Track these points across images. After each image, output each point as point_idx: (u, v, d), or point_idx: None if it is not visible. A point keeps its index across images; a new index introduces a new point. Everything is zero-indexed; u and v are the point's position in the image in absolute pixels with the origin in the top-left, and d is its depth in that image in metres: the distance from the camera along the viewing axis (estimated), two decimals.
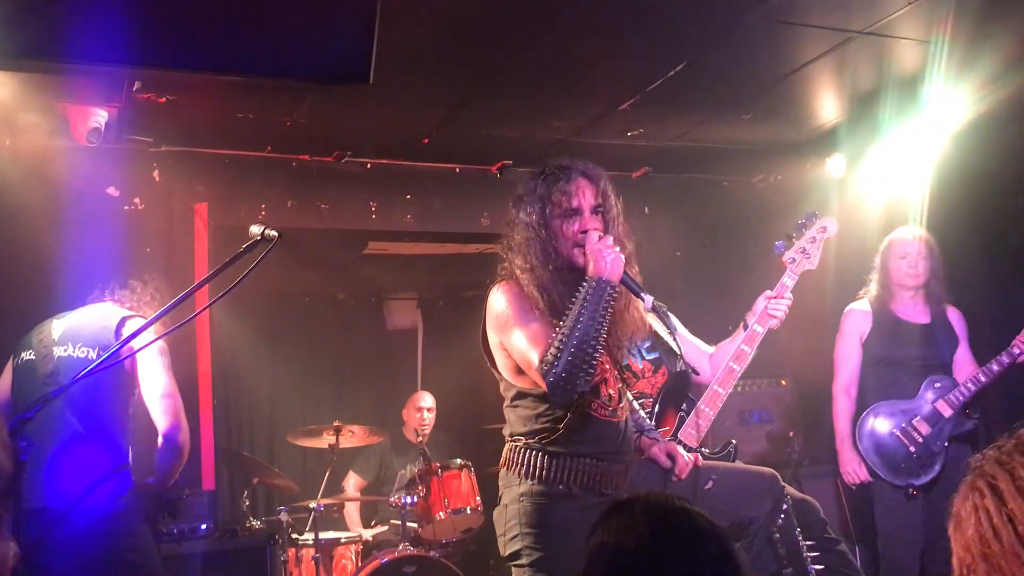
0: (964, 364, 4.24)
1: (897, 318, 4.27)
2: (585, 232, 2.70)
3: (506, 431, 2.89)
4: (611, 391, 2.80)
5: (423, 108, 4.47)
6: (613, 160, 5.11)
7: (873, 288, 4.36)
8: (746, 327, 3.28)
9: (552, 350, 2.54)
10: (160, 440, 3.36)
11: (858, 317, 4.36)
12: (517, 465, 2.76)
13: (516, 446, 2.80)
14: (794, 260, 3.40)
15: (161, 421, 3.36)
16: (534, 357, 2.61)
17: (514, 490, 2.77)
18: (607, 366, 2.79)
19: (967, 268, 4.60)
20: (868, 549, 4.62)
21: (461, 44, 3.78)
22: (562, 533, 2.65)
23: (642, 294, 2.67)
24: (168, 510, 3.37)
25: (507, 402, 2.88)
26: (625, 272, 2.65)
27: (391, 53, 3.26)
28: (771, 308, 3.24)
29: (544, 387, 2.59)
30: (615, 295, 2.62)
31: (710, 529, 1.57)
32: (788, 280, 3.35)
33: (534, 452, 2.73)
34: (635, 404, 3.06)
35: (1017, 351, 3.97)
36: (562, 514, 2.67)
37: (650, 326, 2.88)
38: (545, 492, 2.70)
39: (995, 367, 3.99)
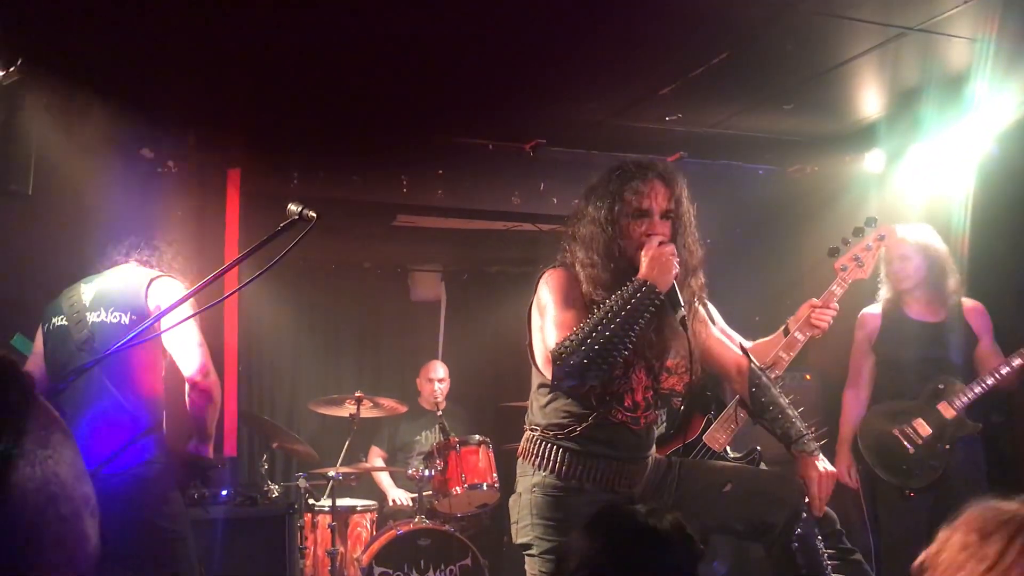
0: (987, 359, 4.10)
1: (905, 317, 4.20)
2: (651, 235, 2.66)
3: (527, 419, 2.87)
4: (638, 400, 2.77)
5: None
6: (648, 144, 5.05)
7: (884, 291, 4.29)
8: (787, 332, 3.13)
9: (573, 338, 2.51)
10: (188, 386, 3.26)
11: (868, 320, 4.34)
12: (533, 456, 2.77)
13: (533, 436, 2.79)
14: (845, 268, 3.16)
15: (192, 364, 3.25)
16: (552, 339, 2.59)
17: (528, 480, 2.78)
18: (641, 374, 2.76)
19: (1003, 271, 4.51)
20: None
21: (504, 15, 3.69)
22: (571, 526, 2.64)
23: (680, 308, 2.61)
24: (201, 477, 3.35)
25: (532, 389, 2.86)
26: (674, 284, 2.60)
27: None
28: (815, 318, 3.05)
29: (551, 370, 2.56)
30: (657, 303, 2.57)
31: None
32: (837, 289, 3.12)
33: (550, 445, 2.73)
34: (783, 402, 2.87)
35: None
36: (572, 508, 2.67)
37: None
38: (558, 485, 2.71)
39: (1004, 370, 3.90)
